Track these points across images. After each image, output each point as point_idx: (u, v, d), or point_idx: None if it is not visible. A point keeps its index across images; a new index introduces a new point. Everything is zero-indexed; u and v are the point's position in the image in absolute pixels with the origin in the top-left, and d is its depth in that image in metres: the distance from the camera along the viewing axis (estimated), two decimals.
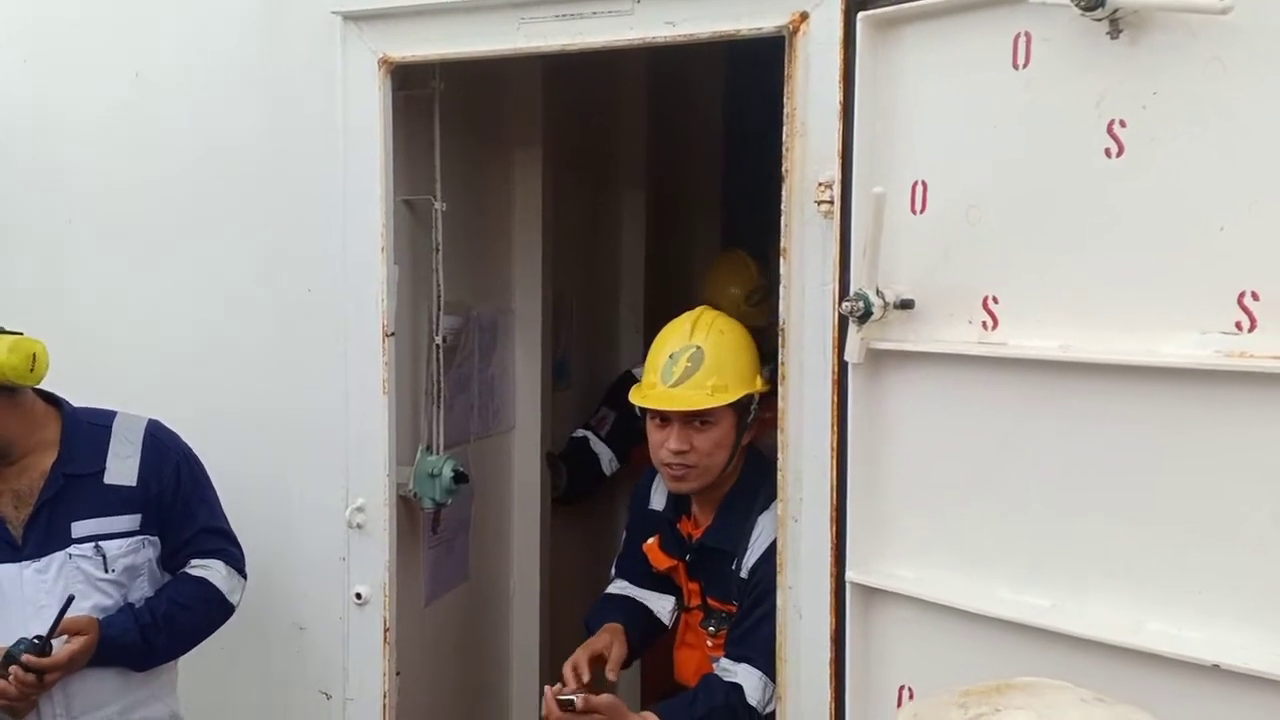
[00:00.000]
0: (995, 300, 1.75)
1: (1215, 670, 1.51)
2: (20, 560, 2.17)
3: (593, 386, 3.82)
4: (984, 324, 1.76)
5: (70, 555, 2.19)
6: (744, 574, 2.29)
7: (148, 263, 2.57)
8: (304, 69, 2.50)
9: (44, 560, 2.18)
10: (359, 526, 2.51)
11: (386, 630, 2.46)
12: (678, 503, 2.50)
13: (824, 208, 1.97)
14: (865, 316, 1.81)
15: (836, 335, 1.94)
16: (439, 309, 2.82)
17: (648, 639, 2.58)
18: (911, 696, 1.82)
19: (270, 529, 2.54)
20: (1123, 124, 1.60)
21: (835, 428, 1.94)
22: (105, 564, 2.21)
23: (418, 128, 2.70)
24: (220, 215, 2.62)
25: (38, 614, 2.14)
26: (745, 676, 2.20)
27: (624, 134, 4.12)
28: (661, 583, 2.58)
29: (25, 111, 2.77)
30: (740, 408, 2.31)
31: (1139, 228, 1.60)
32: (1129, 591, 1.61)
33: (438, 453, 2.79)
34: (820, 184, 1.97)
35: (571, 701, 2.14)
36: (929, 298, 1.82)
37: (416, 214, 2.76)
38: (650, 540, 2.53)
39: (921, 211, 1.83)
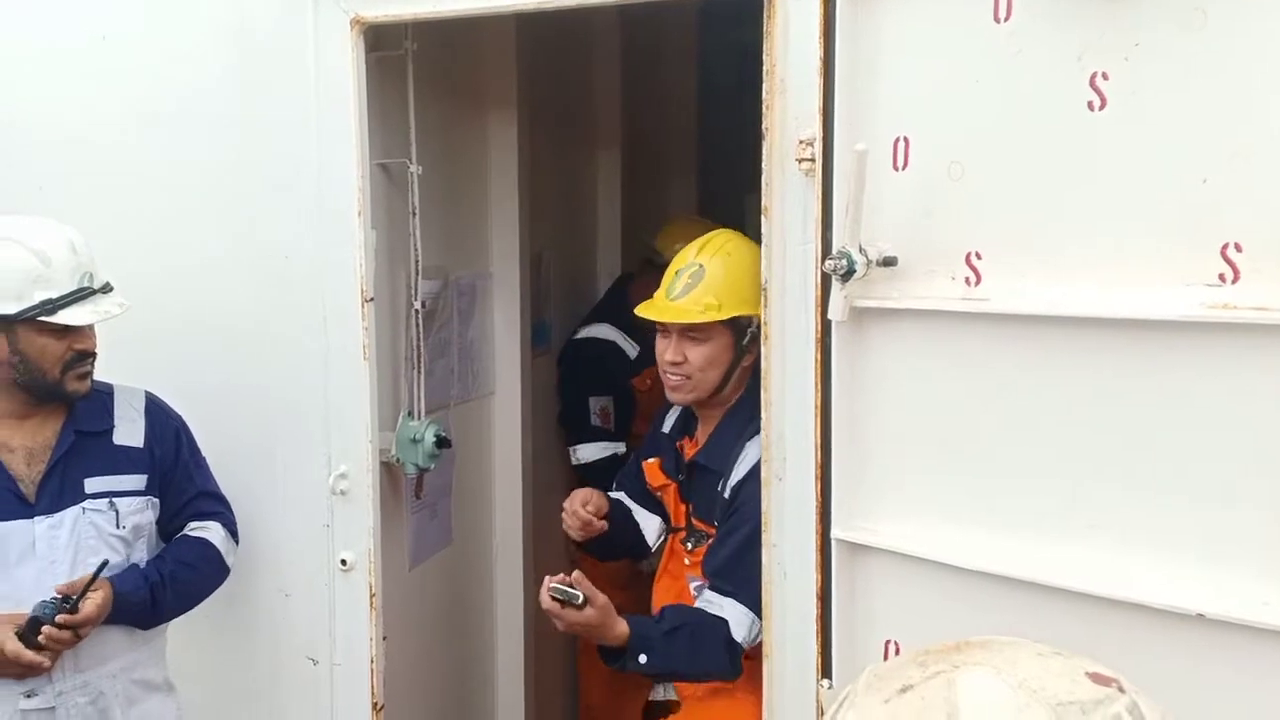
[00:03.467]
0: (978, 256, 1.75)
1: (1200, 619, 1.53)
2: (33, 516, 2.18)
3: None
4: (967, 280, 1.76)
5: (84, 510, 2.21)
6: (727, 494, 2.33)
7: (120, 233, 2.52)
8: (275, 30, 2.46)
9: (57, 516, 2.19)
10: (342, 493, 2.50)
11: (372, 595, 2.46)
12: (684, 424, 2.57)
13: (805, 166, 1.96)
14: (848, 274, 1.81)
15: (819, 294, 1.93)
16: (417, 273, 2.80)
17: (621, 540, 2.66)
18: (898, 651, 1.84)
19: (254, 497, 2.53)
20: (1105, 76, 1.60)
21: (819, 386, 1.94)
22: (118, 520, 2.24)
23: (391, 90, 2.66)
24: (193, 184, 2.58)
25: (50, 569, 2.16)
26: (731, 611, 2.23)
27: (599, 94, 4.09)
28: (649, 502, 2.66)
29: None
30: (737, 329, 2.35)
31: (1122, 180, 1.60)
32: (1114, 543, 1.62)
33: (419, 418, 2.78)
34: (801, 141, 1.96)
35: (573, 596, 2.13)
36: (912, 254, 1.81)
37: (392, 178, 2.73)
38: (653, 459, 2.61)
39: (904, 168, 1.82)
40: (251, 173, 2.53)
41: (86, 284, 2.18)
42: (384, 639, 2.51)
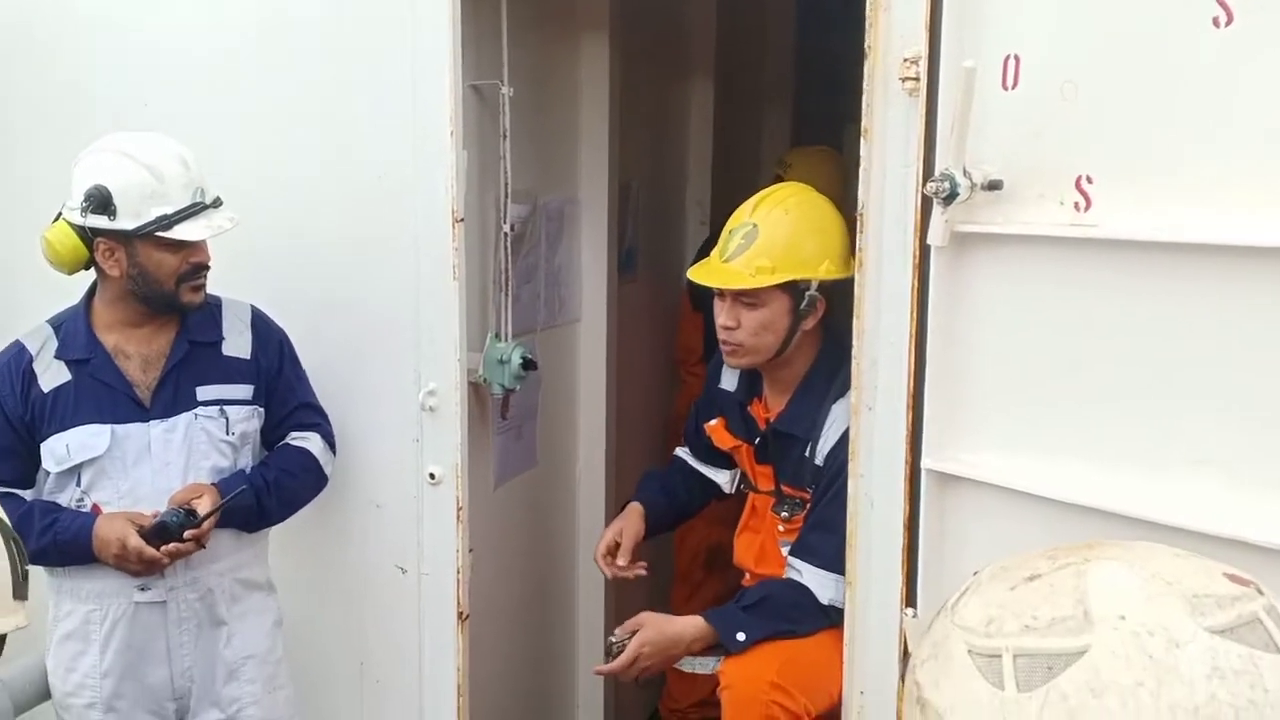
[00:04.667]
0: (1089, 180, 1.68)
1: None
2: (149, 420, 2.28)
3: (659, 280, 3.80)
4: (1076, 205, 1.69)
5: (196, 416, 2.31)
6: (818, 460, 2.28)
7: (223, 149, 2.55)
8: None
9: (171, 420, 2.29)
10: (431, 409, 2.53)
11: (459, 509, 2.50)
12: (750, 384, 2.49)
13: (908, 85, 1.90)
14: (951, 198, 1.76)
15: (918, 218, 1.89)
16: (507, 196, 2.80)
17: (694, 503, 2.69)
18: None
19: (349, 410, 2.59)
20: None
21: (915, 313, 1.90)
22: (227, 426, 2.34)
23: (485, 12, 2.64)
24: (293, 103, 2.61)
25: (165, 470, 2.27)
26: (810, 577, 2.21)
27: (693, 18, 4.02)
28: (717, 458, 2.63)
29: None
30: (795, 292, 2.26)
31: (1246, 101, 1.52)
32: (1220, 479, 1.57)
33: (506, 340, 2.80)
34: (905, 60, 1.89)
35: (614, 644, 2.18)
36: (1018, 178, 1.75)
37: (484, 100, 2.72)
38: (714, 421, 2.55)
39: (1013, 87, 1.75)
40: (349, 92, 2.54)
41: (199, 199, 2.24)
42: (470, 551, 2.56)
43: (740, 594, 2.30)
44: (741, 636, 2.19)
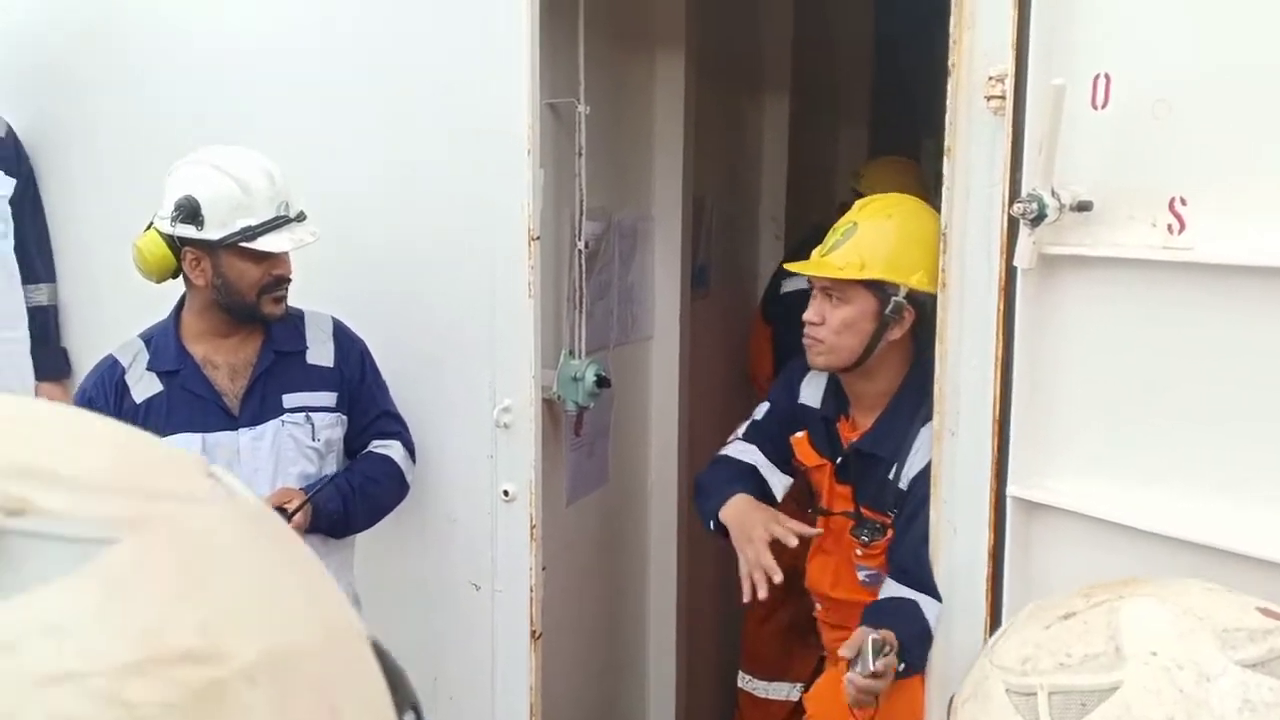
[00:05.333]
0: (1183, 201, 1.64)
1: None
2: (237, 428, 2.33)
3: (732, 295, 3.78)
4: (1169, 227, 1.65)
5: (284, 423, 2.36)
6: (903, 484, 2.23)
7: (302, 163, 2.59)
8: None
9: (259, 428, 2.34)
10: (505, 426, 2.54)
11: (532, 526, 2.51)
12: (836, 401, 2.43)
13: (994, 104, 1.86)
14: (1039, 219, 1.72)
15: (1004, 239, 1.85)
16: (581, 213, 2.81)
17: None
18: None
19: (424, 424, 2.61)
20: None
21: (1001, 336, 1.86)
22: (313, 433, 2.38)
23: (561, 30, 2.66)
24: (371, 118, 2.64)
25: (254, 477, 2.31)
26: (930, 608, 2.09)
27: (769, 34, 4.00)
28: (783, 466, 2.50)
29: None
30: (882, 295, 2.22)
31: None
32: None
33: (580, 357, 2.80)
34: (990, 78, 1.86)
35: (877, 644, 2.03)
36: (1109, 199, 1.71)
37: (560, 117, 2.74)
38: (799, 434, 2.48)
39: (1103, 106, 1.71)
40: (427, 109, 2.57)
41: (283, 212, 2.28)
42: (543, 569, 2.56)
43: (897, 615, 2.11)
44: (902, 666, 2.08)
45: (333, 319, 2.50)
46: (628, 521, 3.30)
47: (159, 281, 2.34)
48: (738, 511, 2.28)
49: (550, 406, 2.75)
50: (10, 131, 3.02)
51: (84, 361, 3.08)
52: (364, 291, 2.66)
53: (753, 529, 2.22)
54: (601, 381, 2.75)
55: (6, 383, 2.99)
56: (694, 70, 3.26)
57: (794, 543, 2.22)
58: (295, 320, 2.43)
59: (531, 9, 2.40)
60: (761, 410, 2.59)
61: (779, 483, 2.50)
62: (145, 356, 2.35)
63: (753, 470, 2.48)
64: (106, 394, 2.32)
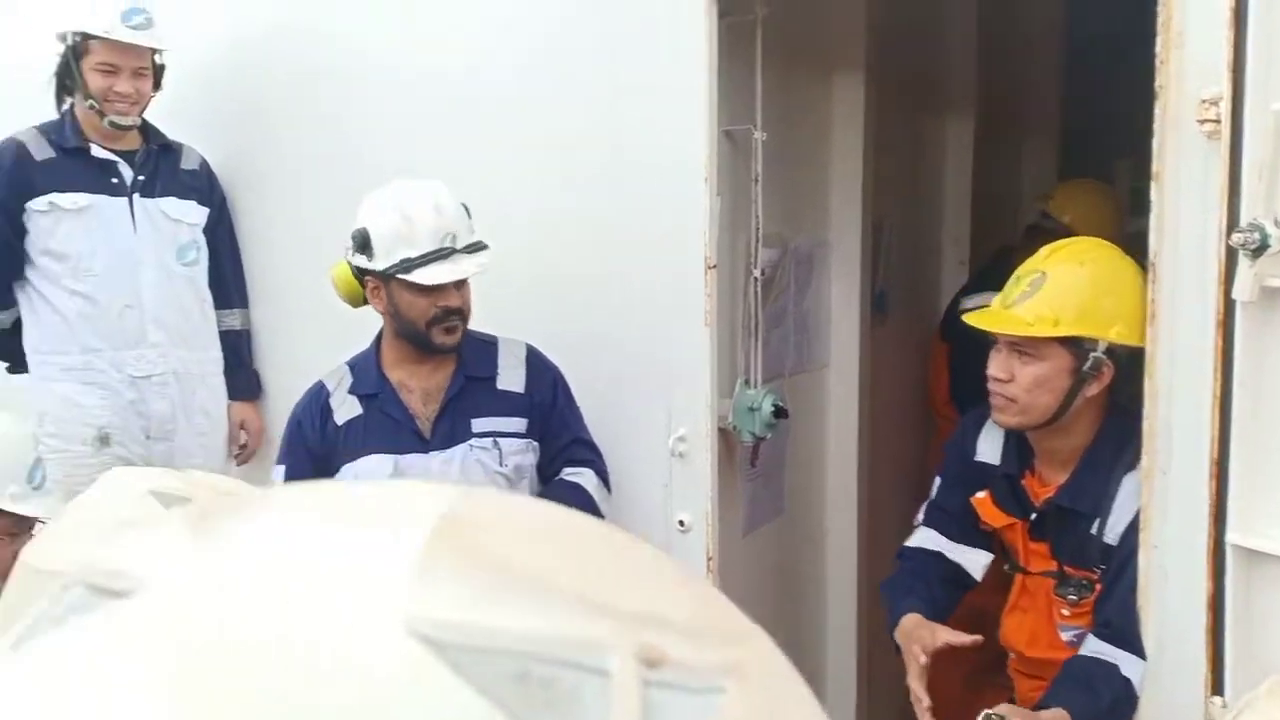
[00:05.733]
0: None
1: None
2: (428, 451, 2.39)
3: (913, 322, 3.68)
4: None
5: (471, 447, 2.40)
6: (1109, 539, 2.07)
7: (486, 190, 2.65)
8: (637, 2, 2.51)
9: (449, 452, 2.39)
10: (681, 455, 2.53)
11: (709, 558, 2.48)
12: (1019, 456, 2.28)
13: (1207, 127, 1.74)
14: (1260, 249, 1.59)
15: (1222, 270, 1.72)
16: (757, 241, 2.78)
17: (952, 605, 2.36)
18: None
19: (601, 452, 2.60)
20: None
21: (1219, 373, 1.73)
22: (501, 458, 2.41)
23: (738, 55, 2.64)
24: (551, 145, 2.68)
25: None
26: (1132, 667, 1.96)
27: (953, 54, 3.88)
28: (973, 536, 2.36)
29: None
30: (1079, 351, 2.05)
31: None
32: None
33: (756, 386, 2.76)
34: (1203, 101, 1.74)
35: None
36: None
37: (735, 143, 2.71)
38: (981, 494, 2.32)
39: None
40: (606, 139, 2.59)
41: (448, 244, 2.30)
42: None
43: (1088, 685, 2.00)
44: None
45: (527, 345, 2.52)
46: (804, 553, 3.24)
47: (355, 307, 2.43)
48: (903, 633, 2.23)
49: (725, 436, 2.72)
50: (204, 164, 3.18)
51: (275, 383, 3.26)
52: (541, 321, 2.69)
53: (910, 662, 2.17)
54: (779, 412, 2.70)
55: (201, 402, 3.15)
56: (873, 90, 3.19)
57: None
58: (488, 346, 2.48)
59: (710, 36, 2.40)
60: (936, 486, 2.46)
61: (974, 562, 2.37)
62: (349, 380, 2.44)
63: (938, 558, 2.37)
64: (313, 417, 2.42)
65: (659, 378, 2.55)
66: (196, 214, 3.13)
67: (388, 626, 0.33)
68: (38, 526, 2.19)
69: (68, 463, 2.85)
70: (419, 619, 0.33)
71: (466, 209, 2.38)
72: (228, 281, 3.22)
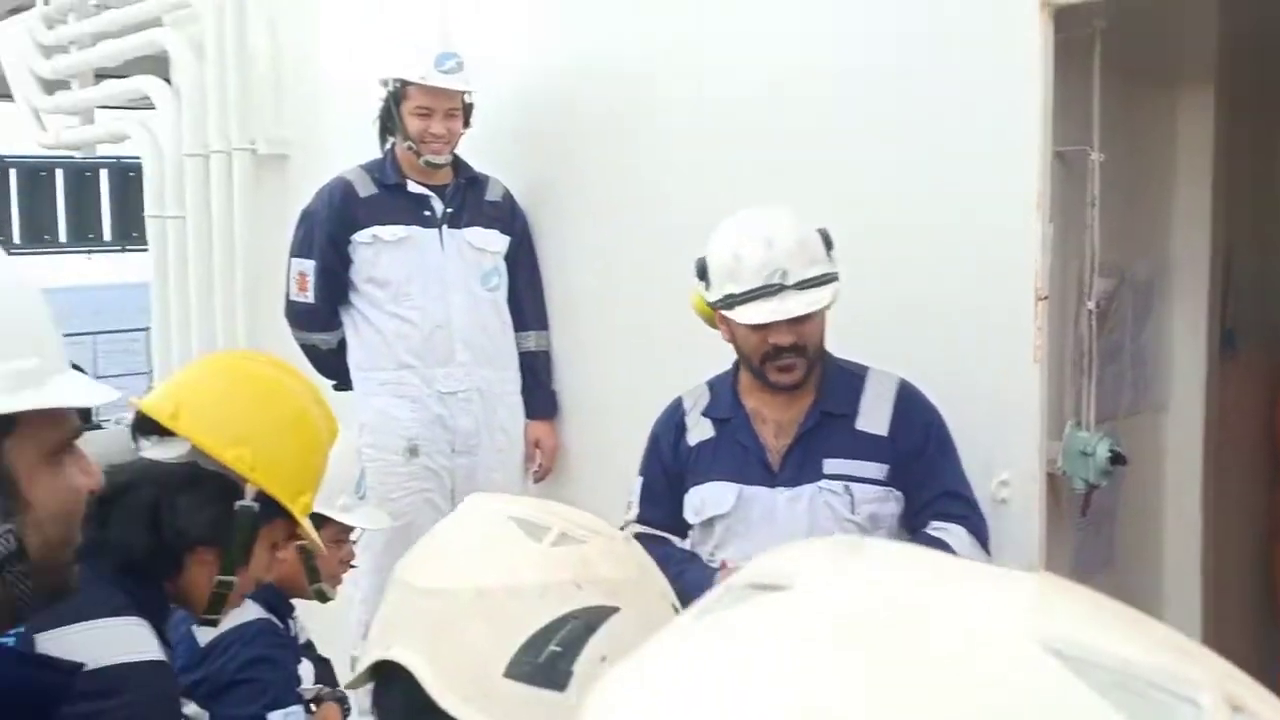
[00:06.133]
0: None
1: None
2: (775, 485, 2.30)
3: (1267, 358, 3.29)
4: None
5: (820, 489, 2.27)
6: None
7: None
8: (962, 15, 2.41)
9: (796, 489, 2.28)
10: (1003, 501, 2.38)
11: None
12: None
13: None
14: None
15: None
16: (1092, 270, 2.59)
17: None
18: None
19: None
20: None
21: None
22: (852, 505, 2.26)
23: (1072, 72, 2.47)
24: (867, 171, 2.59)
25: (787, 539, 2.25)
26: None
27: None
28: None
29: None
30: None
31: None
32: None
33: (1088, 428, 2.55)
34: None
35: None
36: None
37: (1067, 166, 2.54)
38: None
39: None
40: (924, 160, 2.48)
41: (775, 280, 2.18)
42: None
43: None
44: None
45: (900, 381, 2.33)
46: (1139, 610, 2.94)
47: (714, 328, 2.35)
48: None
49: (1052, 481, 2.52)
50: (507, 195, 3.34)
51: (571, 403, 3.34)
52: (858, 356, 2.58)
53: None
54: (1116, 458, 2.48)
55: (501, 420, 3.28)
56: (1224, 104, 2.91)
57: None
58: (854, 379, 2.32)
59: (1045, 53, 2.26)
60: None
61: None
62: (705, 401, 2.39)
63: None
64: (669, 433, 2.41)
65: (983, 417, 2.40)
66: (499, 242, 3.29)
67: (1020, 639, 0.42)
68: (356, 532, 2.32)
69: (381, 471, 3.05)
70: (1047, 634, 0.41)
71: (825, 236, 2.25)
72: (526, 305, 3.34)
